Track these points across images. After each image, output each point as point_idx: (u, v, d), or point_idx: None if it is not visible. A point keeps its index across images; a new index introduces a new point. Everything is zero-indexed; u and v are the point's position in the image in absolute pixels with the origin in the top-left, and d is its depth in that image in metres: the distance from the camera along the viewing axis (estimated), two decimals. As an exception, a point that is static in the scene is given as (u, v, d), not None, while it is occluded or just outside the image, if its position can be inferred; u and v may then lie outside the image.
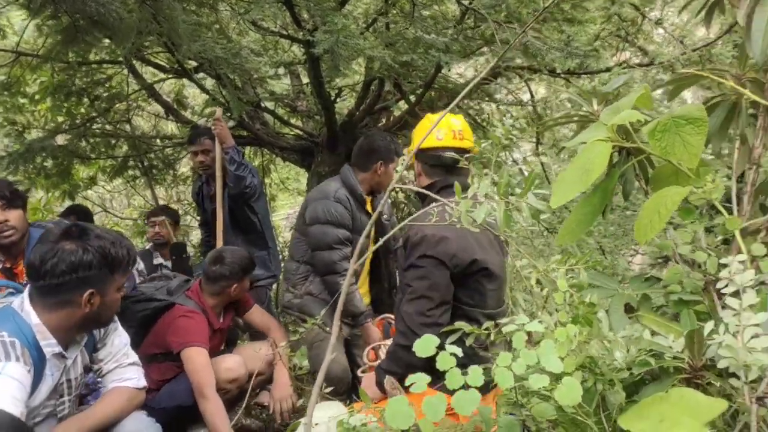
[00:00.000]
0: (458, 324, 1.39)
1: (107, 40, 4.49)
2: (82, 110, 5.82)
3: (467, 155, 2.21)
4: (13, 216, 2.89)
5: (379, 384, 2.35)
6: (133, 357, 2.33)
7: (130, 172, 6.45)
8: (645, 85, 1.52)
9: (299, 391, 3.20)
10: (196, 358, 2.98)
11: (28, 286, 2.08)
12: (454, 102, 1.48)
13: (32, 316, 2.01)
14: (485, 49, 4.96)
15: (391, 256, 3.77)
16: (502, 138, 1.58)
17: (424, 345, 1.20)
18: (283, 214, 10.52)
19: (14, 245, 2.95)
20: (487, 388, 1.62)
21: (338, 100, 5.82)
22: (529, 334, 1.27)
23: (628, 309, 1.53)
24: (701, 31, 6.44)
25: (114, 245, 2.08)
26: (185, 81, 6.15)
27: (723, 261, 1.32)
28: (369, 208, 3.55)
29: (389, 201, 4.10)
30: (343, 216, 3.36)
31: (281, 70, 5.74)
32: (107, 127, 6.00)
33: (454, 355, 1.18)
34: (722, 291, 1.28)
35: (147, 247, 4.97)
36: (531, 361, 1.16)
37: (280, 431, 3.28)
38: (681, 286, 1.45)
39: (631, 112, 1.41)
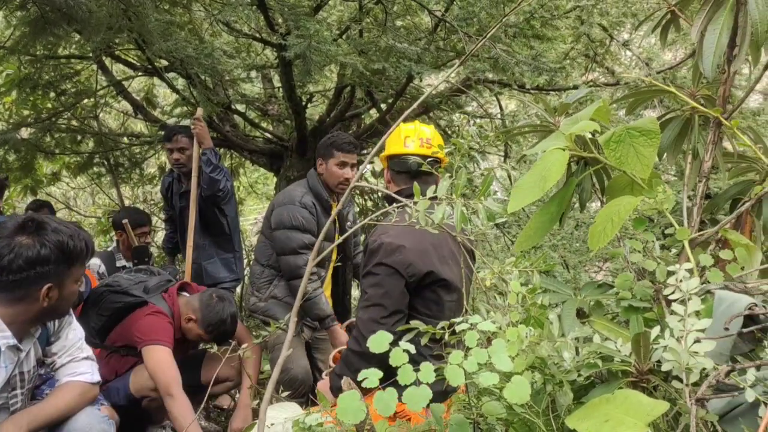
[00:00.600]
0: (413, 323, 1.41)
1: (77, 35, 4.43)
2: (49, 104, 5.72)
3: (429, 159, 2.24)
4: None
5: (333, 388, 2.35)
6: (88, 351, 2.29)
7: (95, 170, 6.35)
8: (603, 98, 1.57)
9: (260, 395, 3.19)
10: (161, 357, 2.87)
11: None
12: (410, 110, 1.51)
13: (-12, 309, 1.96)
14: (456, 61, 5.03)
15: (349, 263, 3.79)
16: (464, 144, 1.61)
17: (378, 342, 1.22)
18: (252, 219, 10.45)
19: None
20: (446, 395, 1.64)
21: (309, 105, 5.83)
22: (488, 339, 1.30)
23: (581, 314, 1.56)
24: (668, 55, 6.64)
25: (72, 238, 2.05)
26: (156, 80, 6.09)
27: (670, 269, 1.36)
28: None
29: (355, 209, 4.11)
30: (309, 221, 3.38)
31: (253, 73, 5.74)
32: (73, 122, 5.91)
33: (407, 351, 1.19)
34: (669, 298, 1.32)
35: (109, 249, 4.88)
36: (482, 359, 1.19)
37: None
38: (631, 293, 1.49)
39: (589, 122, 1.46)
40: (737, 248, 1.48)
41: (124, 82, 5.78)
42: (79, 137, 6.01)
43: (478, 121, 6.57)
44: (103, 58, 5.24)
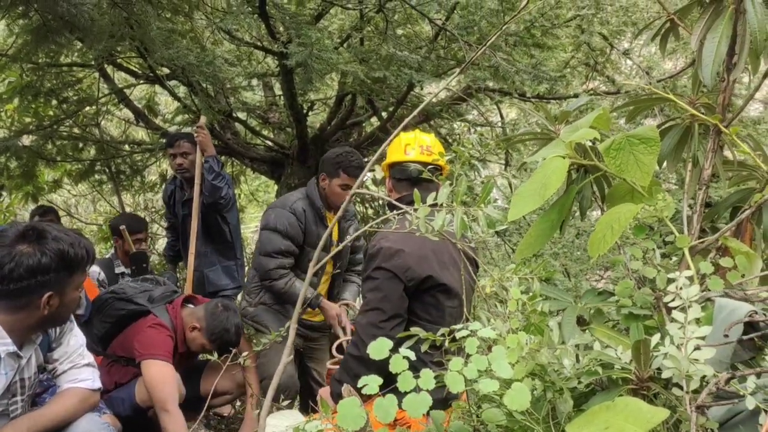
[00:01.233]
0: (414, 329, 1.41)
1: (79, 43, 4.45)
2: (50, 112, 5.74)
3: (430, 166, 2.25)
4: None
5: (333, 394, 2.35)
6: (89, 358, 2.29)
7: (97, 177, 6.37)
8: (604, 106, 1.57)
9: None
10: (158, 371, 2.87)
11: None
12: (410, 117, 1.51)
13: (-12, 317, 1.96)
14: (457, 69, 5.05)
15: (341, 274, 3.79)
16: (465, 152, 1.62)
17: (378, 348, 1.22)
18: (253, 227, 10.44)
19: None
20: (446, 402, 1.64)
21: (310, 113, 5.86)
22: (488, 346, 1.30)
23: (582, 322, 1.56)
24: (668, 65, 6.66)
25: (72, 246, 2.06)
26: (157, 88, 6.11)
27: (671, 276, 1.36)
28: (330, 223, 3.55)
29: (356, 220, 4.10)
30: (293, 227, 3.38)
31: (254, 81, 5.76)
32: (75, 130, 5.93)
33: (407, 358, 1.19)
34: (670, 305, 1.32)
35: (108, 256, 4.87)
36: (482, 366, 1.18)
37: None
38: (632, 301, 1.49)
39: (589, 130, 1.46)
40: (737, 256, 1.48)
41: (125, 90, 5.82)
42: (80, 145, 6.04)
43: (478, 129, 6.58)
44: (105, 66, 5.27)
